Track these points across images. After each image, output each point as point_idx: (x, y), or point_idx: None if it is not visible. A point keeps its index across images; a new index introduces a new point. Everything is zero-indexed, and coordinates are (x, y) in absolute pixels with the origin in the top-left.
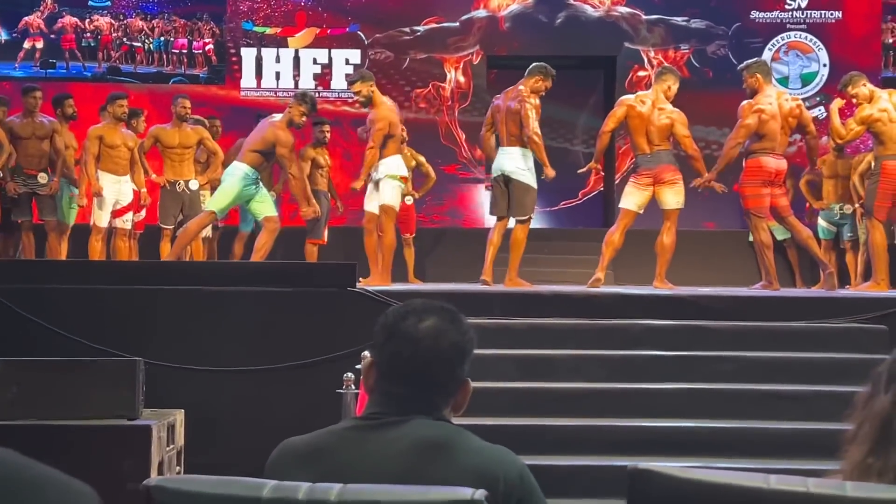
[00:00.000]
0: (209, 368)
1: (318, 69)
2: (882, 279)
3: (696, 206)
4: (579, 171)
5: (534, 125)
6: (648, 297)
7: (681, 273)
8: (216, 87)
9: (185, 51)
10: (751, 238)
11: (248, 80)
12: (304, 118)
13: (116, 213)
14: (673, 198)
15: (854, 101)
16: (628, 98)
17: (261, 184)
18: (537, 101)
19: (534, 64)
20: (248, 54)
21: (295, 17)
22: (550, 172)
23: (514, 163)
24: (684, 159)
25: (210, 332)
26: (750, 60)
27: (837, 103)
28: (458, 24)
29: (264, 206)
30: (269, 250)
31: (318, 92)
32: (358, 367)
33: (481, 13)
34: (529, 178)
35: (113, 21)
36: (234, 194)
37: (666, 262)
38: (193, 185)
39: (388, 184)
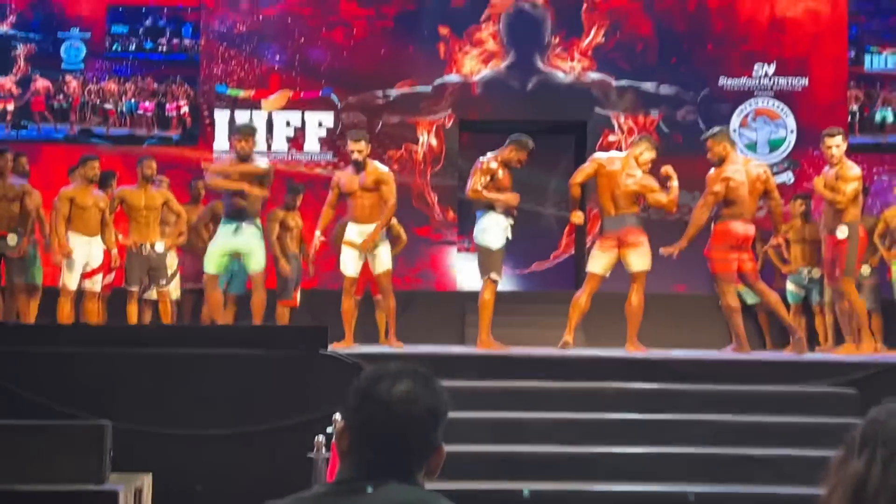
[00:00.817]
0: (178, 432)
1: (291, 132)
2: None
3: (666, 269)
4: (573, 220)
5: (472, 184)
6: (621, 360)
7: (653, 335)
8: (189, 149)
9: (157, 113)
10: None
11: (221, 141)
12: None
13: (86, 275)
14: (638, 260)
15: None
16: (600, 156)
17: None
18: (494, 165)
19: (513, 135)
20: (221, 116)
21: (268, 80)
22: (514, 199)
23: (476, 226)
24: (655, 223)
25: (179, 396)
26: (714, 128)
27: (819, 182)
28: (430, 88)
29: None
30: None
31: (291, 155)
32: (329, 430)
33: (454, 78)
34: (487, 239)
35: (86, 83)
36: None
37: (636, 325)
38: (159, 247)
39: (383, 248)
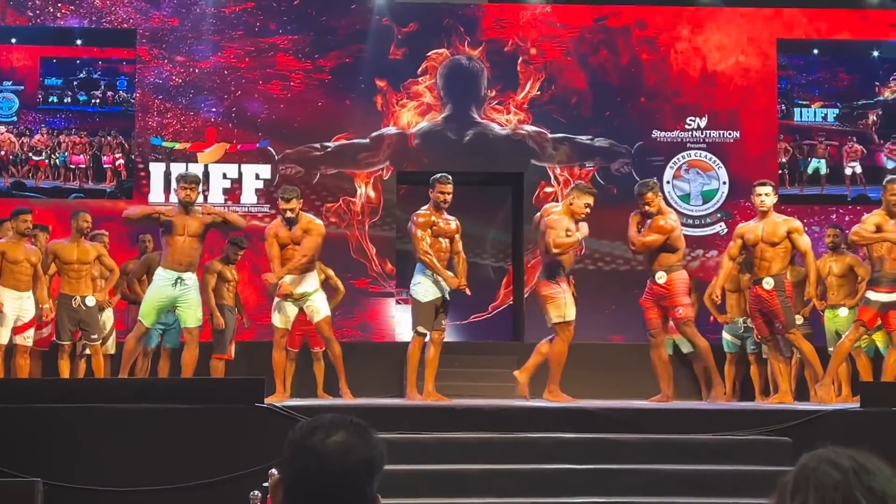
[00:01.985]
0: (111, 489)
1: (227, 184)
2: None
3: (604, 319)
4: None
5: (420, 245)
6: (559, 410)
7: (590, 386)
8: (123, 202)
9: (92, 165)
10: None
11: (156, 194)
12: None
13: (17, 330)
14: (551, 312)
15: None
16: (547, 206)
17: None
18: (422, 220)
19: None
20: (156, 169)
21: (205, 133)
22: (453, 283)
23: (413, 278)
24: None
25: (113, 451)
26: (648, 180)
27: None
28: (368, 140)
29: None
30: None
31: (228, 206)
32: (265, 485)
33: (391, 130)
34: (417, 292)
35: (18, 136)
36: None
37: (555, 374)
38: (90, 301)
39: (319, 296)
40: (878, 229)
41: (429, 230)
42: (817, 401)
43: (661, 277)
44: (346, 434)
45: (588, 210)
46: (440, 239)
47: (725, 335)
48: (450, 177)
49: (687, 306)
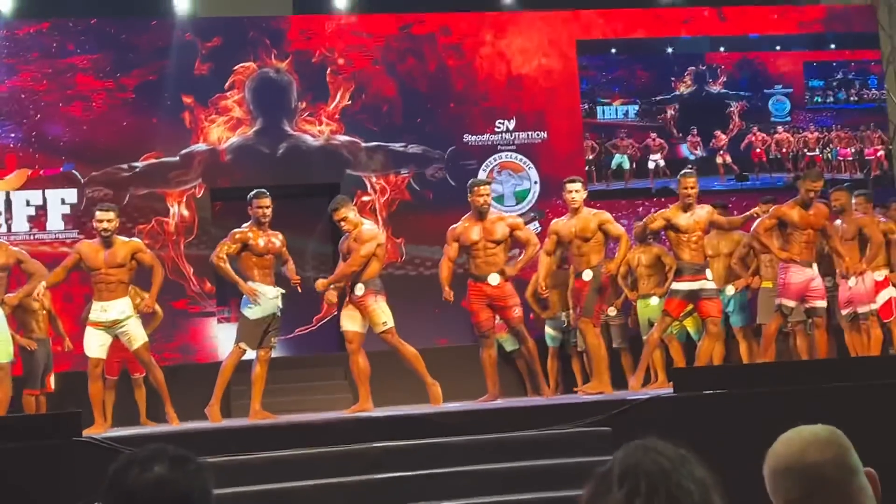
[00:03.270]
0: None
1: (31, 211)
2: (605, 380)
3: (428, 324)
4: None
5: (217, 251)
6: (385, 420)
7: (417, 391)
8: None
9: None
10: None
11: None
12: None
13: None
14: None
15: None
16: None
17: None
18: (237, 235)
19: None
20: None
21: (4, 160)
22: (245, 289)
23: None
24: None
25: None
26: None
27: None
28: (178, 158)
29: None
30: None
31: (33, 234)
32: None
33: (201, 147)
34: (245, 309)
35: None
36: None
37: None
38: None
39: (133, 322)
40: (669, 222)
41: (239, 245)
42: (632, 390)
43: (493, 279)
44: (163, 467)
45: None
46: (265, 256)
47: (548, 330)
48: (266, 192)
49: (519, 306)
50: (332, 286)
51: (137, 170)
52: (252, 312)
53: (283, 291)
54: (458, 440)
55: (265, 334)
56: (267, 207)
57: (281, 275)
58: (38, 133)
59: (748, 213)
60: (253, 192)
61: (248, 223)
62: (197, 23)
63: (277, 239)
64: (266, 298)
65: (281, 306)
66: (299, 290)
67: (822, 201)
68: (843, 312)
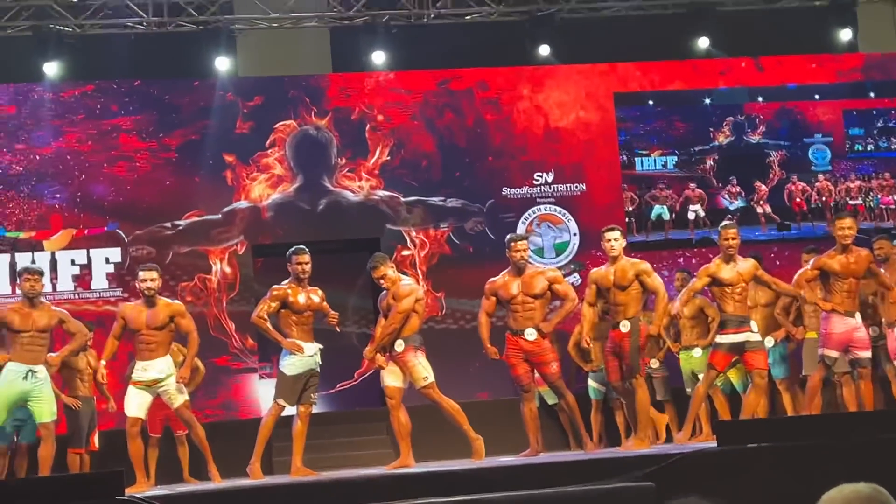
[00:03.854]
0: None
1: (76, 270)
2: (648, 435)
3: (468, 377)
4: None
5: (256, 310)
6: (426, 475)
7: (459, 445)
8: None
9: None
10: None
11: (1, 286)
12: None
13: None
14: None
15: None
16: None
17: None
18: (274, 293)
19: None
20: (0, 261)
21: (50, 220)
22: (287, 345)
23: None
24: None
25: None
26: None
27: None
28: (220, 216)
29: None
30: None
31: (78, 293)
32: None
33: (243, 204)
34: (283, 365)
35: None
36: None
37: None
38: None
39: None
40: (714, 277)
41: (278, 302)
42: (678, 443)
43: (530, 335)
44: None
45: None
46: (304, 313)
47: (591, 382)
48: (305, 248)
49: (557, 361)
50: (377, 351)
51: (180, 228)
52: (290, 369)
53: (322, 347)
54: (500, 496)
55: (304, 391)
56: (306, 264)
57: (322, 330)
58: (83, 193)
59: (796, 291)
60: (292, 249)
61: (288, 280)
62: (238, 83)
63: (317, 295)
64: (304, 355)
65: (320, 362)
66: (337, 329)
67: (865, 248)
68: None
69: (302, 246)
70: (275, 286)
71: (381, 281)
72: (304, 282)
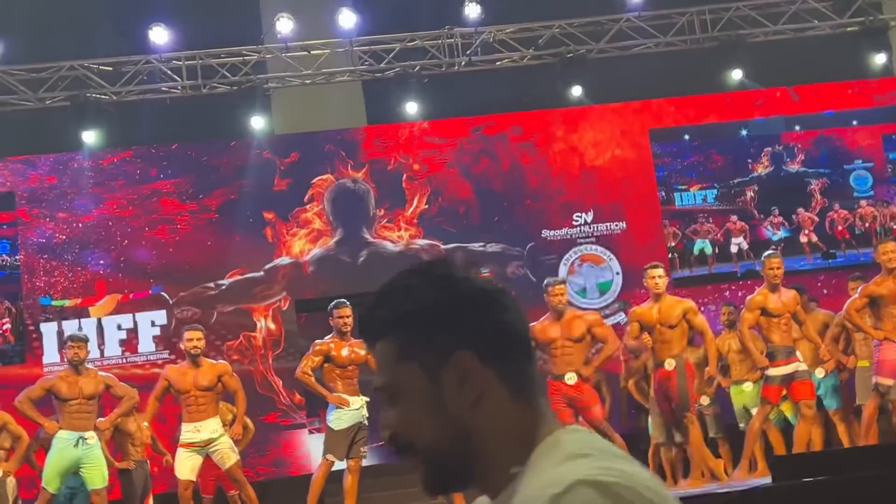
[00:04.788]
0: None
1: (123, 335)
2: (700, 474)
3: None
4: None
5: (300, 366)
6: None
7: None
8: (17, 367)
9: None
10: None
11: (50, 354)
12: None
13: None
14: None
15: None
16: None
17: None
18: (317, 348)
19: None
20: (48, 329)
21: (94, 286)
22: (333, 399)
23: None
24: None
25: None
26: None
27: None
28: (262, 273)
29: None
30: None
31: (126, 358)
32: None
33: (285, 260)
34: (330, 420)
35: None
36: None
37: None
38: None
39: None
40: (763, 309)
41: (321, 357)
42: (734, 480)
43: (570, 379)
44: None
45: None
46: (348, 367)
47: (652, 419)
48: (346, 302)
49: (600, 404)
50: None
51: (223, 287)
52: (337, 423)
53: (368, 400)
54: None
55: (353, 444)
56: (348, 317)
57: (367, 382)
58: (126, 258)
59: (816, 338)
60: (333, 303)
61: (331, 335)
62: (274, 140)
63: (361, 349)
64: (350, 408)
65: (367, 415)
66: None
67: None
68: None
69: (343, 300)
70: (318, 341)
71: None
72: (346, 335)
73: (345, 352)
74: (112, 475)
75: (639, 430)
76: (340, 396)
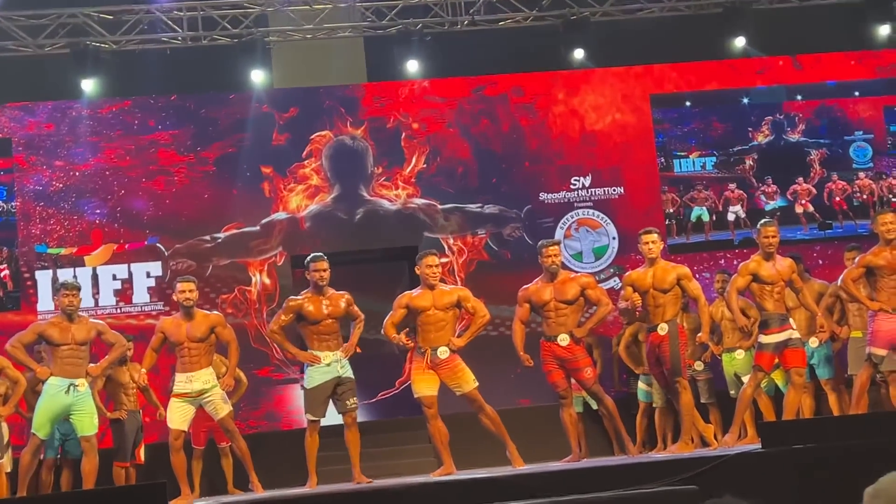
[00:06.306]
0: None
1: (118, 285)
2: (689, 439)
3: (509, 384)
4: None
5: (270, 324)
6: (471, 482)
7: (500, 452)
8: (12, 314)
9: None
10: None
11: (45, 302)
12: None
13: None
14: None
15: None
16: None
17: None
18: (290, 304)
19: None
20: (43, 277)
21: (90, 236)
22: (302, 357)
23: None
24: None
25: None
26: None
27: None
28: (258, 227)
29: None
30: None
31: (120, 308)
32: None
33: (281, 216)
34: (304, 380)
35: None
36: None
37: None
38: None
39: (217, 392)
40: (755, 275)
41: (292, 314)
42: (724, 446)
43: (563, 340)
44: None
45: None
46: (321, 323)
47: (641, 385)
48: (323, 255)
49: (592, 367)
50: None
51: (219, 240)
52: (309, 382)
53: (341, 354)
54: (543, 501)
55: (338, 400)
56: (325, 270)
57: (362, 339)
58: (122, 208)
59: (814, 308)
60: (310, 257)
61: (307, 290)
62: (273, 95)
63: (343, 300)
64: (320, 365)
65: (345, 368)
66: (359, 350)
67: None
68: None
69: (320, 253)
70: (290, 297)
71: (431, 271)
72: (323, 289)
73: (322, 307)
74: (103, 424)
75: (630, 396)
76: (309, 354)
